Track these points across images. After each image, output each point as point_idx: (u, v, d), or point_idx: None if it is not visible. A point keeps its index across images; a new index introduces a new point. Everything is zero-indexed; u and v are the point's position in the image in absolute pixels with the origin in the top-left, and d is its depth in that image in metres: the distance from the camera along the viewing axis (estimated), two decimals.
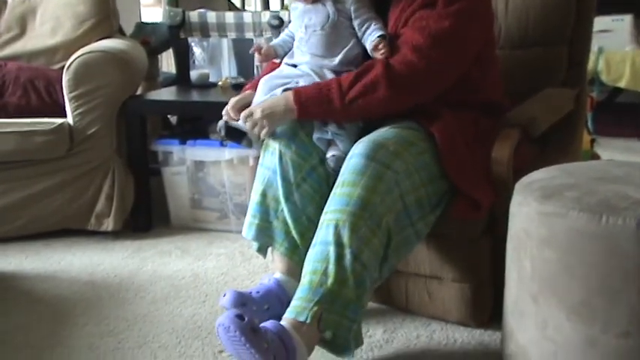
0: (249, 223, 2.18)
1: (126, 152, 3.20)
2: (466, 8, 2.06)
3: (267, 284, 2.14)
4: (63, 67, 3.08)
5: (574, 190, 1.62)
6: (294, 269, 2.12)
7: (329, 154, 2.08)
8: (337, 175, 1.96)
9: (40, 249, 2.99)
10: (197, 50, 3.68)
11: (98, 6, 3.52)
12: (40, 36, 3.54)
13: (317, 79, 2.12)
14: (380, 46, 2.07)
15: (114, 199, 3.06)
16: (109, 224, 3.05)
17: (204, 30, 3.62)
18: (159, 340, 2.16)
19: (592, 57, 3.86)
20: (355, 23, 2.14)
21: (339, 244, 1.84)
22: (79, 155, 3.04)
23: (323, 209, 1.94)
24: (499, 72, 2.30)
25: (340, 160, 2.01)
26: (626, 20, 4.80)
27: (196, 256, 2.87)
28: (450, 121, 2.05)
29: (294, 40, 2.26)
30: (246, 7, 6.02)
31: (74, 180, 3.04)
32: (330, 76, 2.12)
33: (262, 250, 2.23)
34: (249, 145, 2.20)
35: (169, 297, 2.47)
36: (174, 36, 3.70)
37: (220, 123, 2.19)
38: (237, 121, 2.16)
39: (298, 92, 2.06)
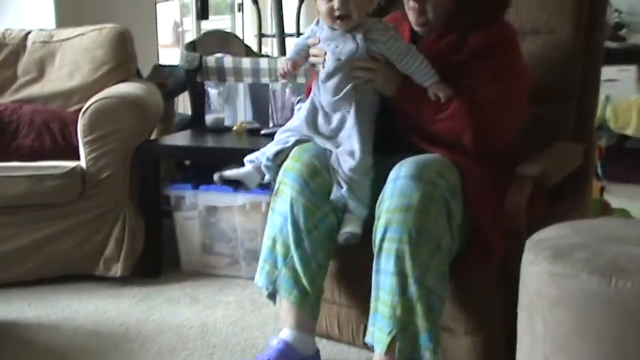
0: (261, 268, 2.18)
1: (138, 196, 3.18)
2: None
3: (275, 347, 2.10)
4: (79, 109, 3.09)
5: (583, 251, 1.58)
6: (305, 320, 2.10)
7: (343, 230, 2.09)
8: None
9: (45, 295, 2.94)
10: (213, 92, 3.68)
11: (116, 51, 3.53)
12: (58, 79, 3.55)
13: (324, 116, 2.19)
14: (440, 94, 2.09)
15: (124, 245, 3.03)
16: (117, 270, 3.02)
17: (220, 75, 3.63)
18: None
19: (599, 105, 3.91)
20: (393, 57, 2.12)
21: (402, 275, 1.89)
22: (91, 199, 3.02)
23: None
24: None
25: (351, 239, 2.05)
26: (631, 70, 5.11)
27: (205, 305, 2.83)
28: (471, 163, 2.07)
29: (306, 43, 2.24)
30: (263, 52, 6.04)
31: (84, 224, 3.02)
32: (329, 110, 2.17)
33: (273, 297, 2.19)
34: (247, 189, 2.29)
35: (176, 349, 2.43)
36: (191, 80, 3.72)
37: (215, 177, 2.23)
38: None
39: (406, 86, 2.11)
